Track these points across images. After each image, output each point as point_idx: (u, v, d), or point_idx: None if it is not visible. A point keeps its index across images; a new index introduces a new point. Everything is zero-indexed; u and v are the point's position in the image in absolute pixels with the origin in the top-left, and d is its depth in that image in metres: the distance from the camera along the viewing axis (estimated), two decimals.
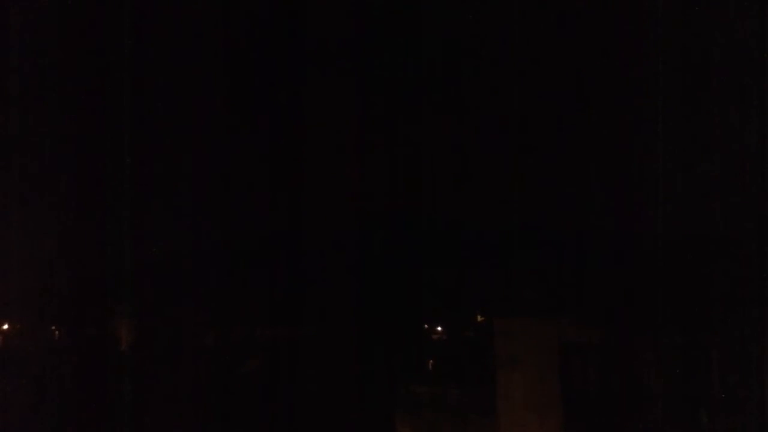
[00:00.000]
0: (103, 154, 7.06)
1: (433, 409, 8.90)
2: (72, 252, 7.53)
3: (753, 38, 5.84)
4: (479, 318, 8.67)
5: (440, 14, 6.75)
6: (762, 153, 5.88)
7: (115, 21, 6.73)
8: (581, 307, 7.65)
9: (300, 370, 8.28)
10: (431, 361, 9.18)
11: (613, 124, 6.73)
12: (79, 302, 8.32)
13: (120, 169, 7.01)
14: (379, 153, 7.16)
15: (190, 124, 7.16)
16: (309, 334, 8.09)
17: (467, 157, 7.23)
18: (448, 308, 8.33)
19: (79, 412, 7.50)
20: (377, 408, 8.30)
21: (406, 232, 7.50)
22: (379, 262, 7.53)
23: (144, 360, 8.37)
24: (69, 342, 8.26)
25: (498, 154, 7.07)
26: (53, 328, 8.31)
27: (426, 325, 8.54)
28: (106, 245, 7.46)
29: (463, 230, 7.57)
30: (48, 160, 7.04)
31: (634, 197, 6.73)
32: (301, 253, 7.48)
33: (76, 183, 7.19)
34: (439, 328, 8.57)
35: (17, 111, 6.77)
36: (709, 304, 6.75)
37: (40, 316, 8.22)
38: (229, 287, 7.84)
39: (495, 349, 8.76)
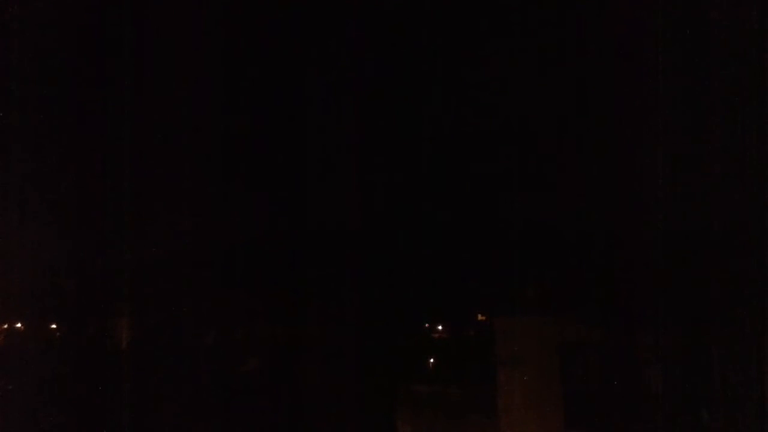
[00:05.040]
0: (102, 152, 7.10)
1: (433, 409, 8.90)
2: (72, 250, 7.56)
3: (754, 36, 5.84)
4: (479, 317, 8.66)
5: (442, 12, 6.78)
6: (763, 149, 5.88)
7: (115, 19, 6.77)
8: (581, 306, 7.65)
9: (299, 369, 8.29)
10: (431, 360, 9.17)
11: (612, 122, 6.75)
12: (79, 301, 8.33)
13: (120, 168, 7.05)
14: (380, 151, 7.18)
15: (189, 124, 7.20)
16: (309, 333, 8.10)
17: (467, 156, 7.25)
18: (448, 307, 8.35)
19: (80, 412, 7.50)
20: (377, 408, 8.30)
21: (406, 230, 7.51)
22: (380, 261, 7.55)
23: (144, 359, 8.37)
24: (69, 341, 8.27)
25: (498, 153, 7.10)
26: (53, 327, 8.31)
27: (426, 324, 8.55)
28: (107, 244, 7.49)
29: (463, 229, 7.59)
30: (48, 159, 7.07)
31: (634, 195, 6.74)
32: (301, 253, 7.50)
33: (76, 181, 7.22)
34: (440, 327, 8.57)
35: (17, 110, 6.79)
36: (710, 303, 6.74)
37: (40, 315, 8.23)
38: (229, 287, 7.86)
39: (495, 348, 8.76)
